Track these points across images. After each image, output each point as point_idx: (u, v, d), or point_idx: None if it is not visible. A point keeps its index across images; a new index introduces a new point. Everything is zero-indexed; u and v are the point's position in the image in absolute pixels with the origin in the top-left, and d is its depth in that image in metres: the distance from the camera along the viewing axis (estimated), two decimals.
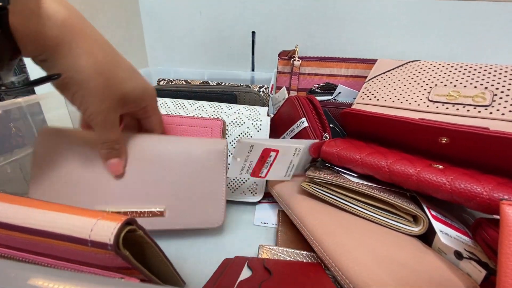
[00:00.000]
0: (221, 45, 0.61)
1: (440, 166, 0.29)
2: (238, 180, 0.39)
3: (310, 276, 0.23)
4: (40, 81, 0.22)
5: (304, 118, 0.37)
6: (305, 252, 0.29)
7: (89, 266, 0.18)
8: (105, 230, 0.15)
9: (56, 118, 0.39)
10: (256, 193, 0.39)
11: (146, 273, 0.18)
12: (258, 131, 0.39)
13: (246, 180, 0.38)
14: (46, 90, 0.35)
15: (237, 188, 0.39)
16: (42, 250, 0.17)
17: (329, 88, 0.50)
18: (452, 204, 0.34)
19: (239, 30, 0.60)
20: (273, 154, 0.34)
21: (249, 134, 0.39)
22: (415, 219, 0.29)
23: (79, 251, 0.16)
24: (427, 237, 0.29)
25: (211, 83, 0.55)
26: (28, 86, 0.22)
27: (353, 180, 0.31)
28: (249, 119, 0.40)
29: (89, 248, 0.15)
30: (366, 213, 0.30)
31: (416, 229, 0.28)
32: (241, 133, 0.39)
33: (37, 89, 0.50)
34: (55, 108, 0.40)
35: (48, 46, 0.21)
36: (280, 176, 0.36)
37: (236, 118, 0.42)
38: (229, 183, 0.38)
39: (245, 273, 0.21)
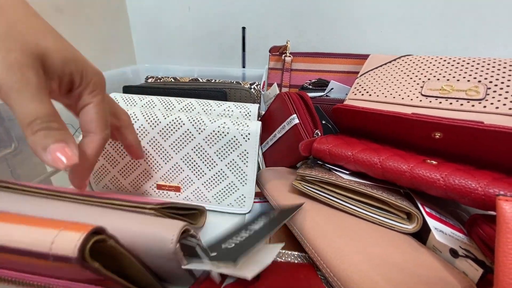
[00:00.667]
0: (211, 41, 0.60)
1: (434, 162, 0.28)
2: (223, 192, 0.36)
3: (300, 278, 0.22)
4: None
5: (294, 115, 0.36)
6: (296, 253, 0.28)
7: (57, 279, 0.16)
8: (68, 242, 0.13)
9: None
10: (243, 205, 0.37)
11: (123, 283, 0.17)
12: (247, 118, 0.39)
13: (233, 193, 0.36)
14: None
15: (223, 200, 0.37)
16: (4, 263, 0.16)
17: (321, 84, 0.49)
18: (446, 200, 0.33)
19: (229, 26, 0.58)
20: None
21: (238, 123, 0.35)
22: (409, 217, 0.28)
23: (41, 265, 0.14)
24: (421, 235, 0.28)
25: (200, 80, 0.54)
26: None
27: (345, 178, 0.30)
28: (239, 111, 0.40)
29: (51, 262, 0.14)
30: (359, 211, 0.29)
31: (410, 227, 0.27)
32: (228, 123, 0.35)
33: None
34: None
35: None
36: None
37: (226, 114, 0.40)
38: (214, 195, 0.37)
39: (231, 278, 0.20)
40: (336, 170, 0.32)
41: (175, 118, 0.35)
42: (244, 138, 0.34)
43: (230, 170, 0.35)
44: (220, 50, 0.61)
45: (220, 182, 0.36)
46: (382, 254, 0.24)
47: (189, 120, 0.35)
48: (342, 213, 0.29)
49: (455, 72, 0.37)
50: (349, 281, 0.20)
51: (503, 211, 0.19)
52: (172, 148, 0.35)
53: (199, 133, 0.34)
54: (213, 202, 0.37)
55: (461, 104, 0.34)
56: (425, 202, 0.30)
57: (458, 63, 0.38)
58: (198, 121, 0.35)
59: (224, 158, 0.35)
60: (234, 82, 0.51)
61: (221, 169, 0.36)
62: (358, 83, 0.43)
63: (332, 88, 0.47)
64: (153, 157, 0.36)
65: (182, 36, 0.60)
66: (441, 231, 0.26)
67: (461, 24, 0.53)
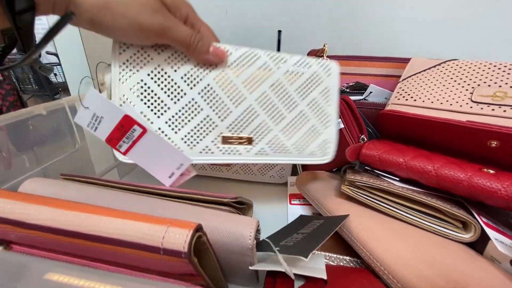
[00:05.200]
0: (247, 44, 0.60)
1: (491, 171, 0.28)
2: (305, 138, 0.32)
3: (364, 282, 0.22)
4: (57, 26, 0.19)
5: (339, 119, 0.36)
6: (348, 257, 0.28)
7: (147, 273, 0.18)
8: (177, 238, 0.15)
9: None
10: (327, 152, 0.33)
11: (206, 280, 0.18)
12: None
13: (315, 138, 0.32)
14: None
15: (305, 148, 0.32)
16: (94, 255, 0.17)
17: (359, 88, 0.49)
18: (498, 209, 0.33)
19: (265, 29, 0.59)
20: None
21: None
22: (464, 226, 0.28)
23: (142, 257, 0.16)
24: (473, 246, 0.28)
25: None
26: (49, 37, 0.20)
27: (397, 184, 0.30)
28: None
29: (160, 255, 0.15)
30: (412, 219, 0.29)
31: (467, 236, 0.27)
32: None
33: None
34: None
35: None
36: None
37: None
38: (295, 142, 0.32)
39: (298, 283, 0.21)
40: (385, 177, 0.32)
41: (248, 50, 0.29)
42: (326, 72, 0.31)
43: (313, 110, 0.31)
44: None
45: (302, 127, 0.31)
46: (443, 260, 0.24)
47: (265, 53, 0.30)
48: (393, 219, 0.29)
49: (507, 78, 0.36)
50: (410, 284, 0.21)
51: None
52: (245, 86, 0.29)
53: (278, 68, 0.29)
54: (293, 152, 0.32)
55: None
56: (480, 211, 0.29)
57: (510, 69, 0.37)
58: (275, 54, 0.30)
59: (305, 97, 0.31)
60: None
61: (302, 110, 0.31)
62: (401, 88, 0.42)
63: (371, 92, 0.47)
64: (220, 98, 0.28)
65: (219, 39, 0.62)
66: (502, 242, 0.25)
67: (507, 26, 0.51)
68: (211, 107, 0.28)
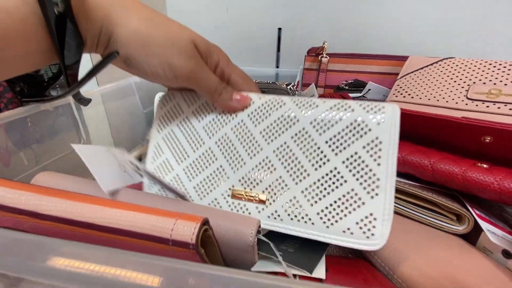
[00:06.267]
0: (247, 42, 0.61)
1: (485, 165, 0.29)
2: (337, 207, 0.24)
3: (363, 272, 0.23)
4: (101, 64, 0.21)
5: None
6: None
7: None
8: (185, 230, 0.15)
9: (94, 115, 0.40)
10: (372, 233, 0.24)
11: None
12: None
13: (354, 209, 0.24)
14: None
15: (336, 222, 0.24)
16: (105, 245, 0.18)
17: (358, 85, 0.49)
18: (492, 203, 0.34)
19: (265, 27, 0.60)
20: None
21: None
22: (459, 218, 0.29)
23: (151, 248, 0.16)
24: (467, 237, 0.29)
25: None
26: (92, 75, 0.21)
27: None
28: None
29: (169, 246, 0.16)
30: (408, 211, 0.30)
31: (461, 228, 0.28)
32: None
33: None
34: (91, 105, 0.41)
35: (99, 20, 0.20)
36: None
37: None
38: (321, 211, 0.24)
39: None
40: None
41: (273, 97, 0.26)
42: (375, 118, 0.22)
43: (350, 170, 0.22)
44: (255, 50, 0.62)
45: (332, 190, 0.23)
46: (436, 253, 0.25)
47: (292, 99, 0.25)
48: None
49: (502, 76, 0.37)
50: (409, 280, 0.22)
51: None
52: (263, 136, 0.25)
53: (305, 114, 0.24)
54: (317, 224, 0.23)
55: (510, 109, 0.34)
56: (474, 204, 0.30)
57: (504, 67, 0.38)
58: (304, 99, 0.25)
59: (340, 151, 0.23)
60: (270, 82, 0.52)
61: (335, 168, 0.23)
62: (398, 85, 0.43)
63: (369, 89, 0.48)
64: (234, 148, 0.26)
65: (219, 37, 0.62)
66: (494, 233, 0.26)
67: (503, 25, 0.52)
68: (225, 157, 0.26)
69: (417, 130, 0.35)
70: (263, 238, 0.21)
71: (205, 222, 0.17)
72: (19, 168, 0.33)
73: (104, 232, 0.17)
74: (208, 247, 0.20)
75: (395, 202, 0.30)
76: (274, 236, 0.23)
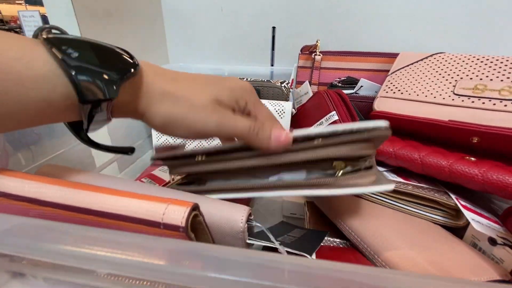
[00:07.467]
0: (241, 41, 0.62)
1: (473, 159, 0.30)
2: None
3: (351, 259, 0.24)
4: (120, 151, 0.24)
5: (334, 112, 0.38)
6: (338, 240, 0.30)
7: None
8: (176, 214, 0.16)
9: None
10: None
11: None
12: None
13: None
14: None
15: None
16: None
17: (351, 82, 0.50)
18: (482, 195, 0.35)
19: (259, 26, 0.61)
20: None
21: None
22: (457, 214, 0.30)
23: (144, 232, 0.17)
24: (458, 232, 0.30)
25: None
26: (107, 151, 0.24)
27: (389, 179, 0.32)
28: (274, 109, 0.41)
29: (160, 230, 0.17)
30: (406, 208, 0.31)
31: (461, 222, 0.29)
32: None
33: None
34: None
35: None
36: None
37: None
38: None
39: None
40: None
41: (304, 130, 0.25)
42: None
43: None
44: (250, 49, 0.63)
45: None
46: (422, 241, 0.26)
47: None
48: (381, 207, 0.31)
49: (488, 71, 0.38)
50: (392, 262, 0.23)
51: None
52: None
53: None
54: None
55: (494, 104, 0.35)
56: (461, 196, 0.31)
57: (491, 62, 0.39)
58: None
59: None
60: (265, 81, 0.53)
61: None
62: (389, 81, 0.44)
63: (361, 86, 0.49)
64: None
65: (214, 36, 0.63)
66: (478, 222, 0.27)
67: (492, 21, 0.53)
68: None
69: (409, 130, 0.36)
70: (255, 223, 0.22)
71: (195, 208, 0.17)
72: (16, 168, 0.34)
73: (101, 217, 0.17)
74: (200, 234, 0.20)
75: (395, 202, 0.31)
76: (273, 233, 0.24)
